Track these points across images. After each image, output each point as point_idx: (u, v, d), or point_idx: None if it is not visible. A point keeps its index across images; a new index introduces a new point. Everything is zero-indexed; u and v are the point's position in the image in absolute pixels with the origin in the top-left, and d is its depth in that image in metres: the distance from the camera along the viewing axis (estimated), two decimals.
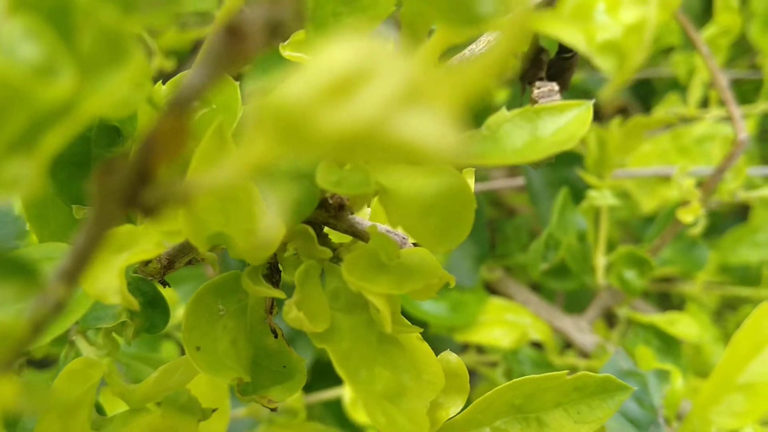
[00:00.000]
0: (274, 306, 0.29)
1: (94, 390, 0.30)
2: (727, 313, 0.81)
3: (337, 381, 0.63)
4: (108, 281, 0.23)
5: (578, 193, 0.66)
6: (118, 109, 0.20)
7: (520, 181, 0.79)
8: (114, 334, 0.33)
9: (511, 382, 0.30)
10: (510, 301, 0.69)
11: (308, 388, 0.65)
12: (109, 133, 0.28)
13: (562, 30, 0.18)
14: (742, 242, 0.76)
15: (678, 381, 0.47)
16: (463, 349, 0.73)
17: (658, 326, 0.62)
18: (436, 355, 0.29)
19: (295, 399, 0.62)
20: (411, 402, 0.27)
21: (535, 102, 0.33)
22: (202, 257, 0.30)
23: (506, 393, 0.30)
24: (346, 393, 0.61)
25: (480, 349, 0.71)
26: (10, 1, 0.14)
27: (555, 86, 0.33)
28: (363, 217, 0.29)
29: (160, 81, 0.27)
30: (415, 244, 0.27)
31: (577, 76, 0.82)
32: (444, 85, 0.11)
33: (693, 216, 0.57)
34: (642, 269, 0.61)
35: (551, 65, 0.37)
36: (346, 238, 0.28)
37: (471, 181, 0.29)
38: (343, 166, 0.24)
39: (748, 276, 0.78)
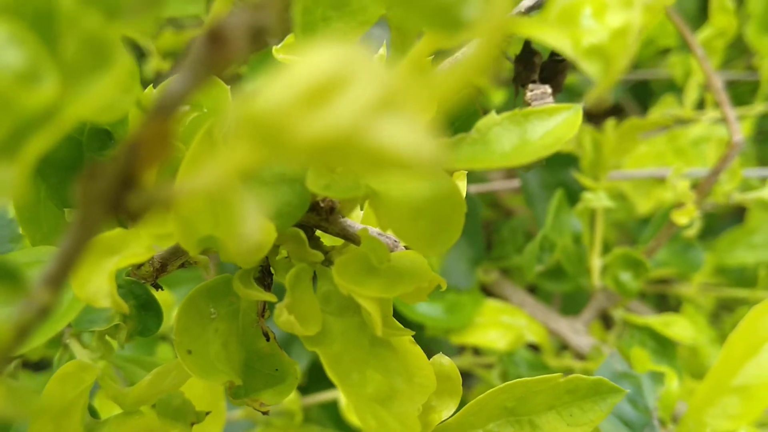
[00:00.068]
0: (266, 309, 0.29)
1: (86, 393, 0.30)
2: (723, 315, 0.81)
3: (333, 383, 0.63)
4: (98, 285, 0.23)
5: (574, 194, 0.66)
6: (104, 113, 0.20)
7: (517, 182, 0.78)
8: (108, 337, 0.33)
9: (503, 384, 0.30)
10: (506, 303, 0.69)
11: (305, 391, 0.65)
12: (100, 136, 0.28)
13: (548, 34, 0.18)
14: (738, 244, 0.76)
15: (673, 383, 0.47)
16: (459, 351, 0.73)
17: (653, 328, 0.62)
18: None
19: (292, 401, 0.62)
20: (402, 405, 0.27)
21: (529, 104, 0.33)
22: (194, 260, 0.30)
23: (499, 396, 0.30)
24: (342, 395, 0.61)
25: (476, 351, 0.71)
26: None
27: (548, 89, 0.33)
28: (355, 219, 0.29)
29: (151, 85, 0.28)
30: (406, 248, 0.27)
31: (571, 78, 0.82)
32: (421, 91, 0.11)
33: (687, 218, 0.57)
34: (637, 271, 0.61)
35: (544, 68, 0.37)
36: (338, 241, 0.28)
37: (462, 185, 0.29)
38: (334, 169, 0.24)
39: (744, 278, 0.78)
